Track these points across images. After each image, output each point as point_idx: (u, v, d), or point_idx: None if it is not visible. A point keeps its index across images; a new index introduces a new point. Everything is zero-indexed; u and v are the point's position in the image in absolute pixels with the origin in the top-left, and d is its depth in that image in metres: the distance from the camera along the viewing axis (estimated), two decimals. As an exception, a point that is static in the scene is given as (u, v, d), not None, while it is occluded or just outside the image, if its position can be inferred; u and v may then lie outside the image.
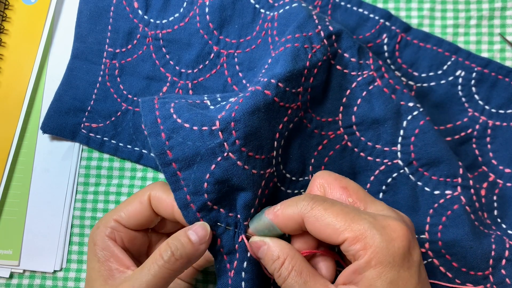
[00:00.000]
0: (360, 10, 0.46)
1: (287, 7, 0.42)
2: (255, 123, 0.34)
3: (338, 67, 0.41)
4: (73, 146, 0.46)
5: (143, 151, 0.45)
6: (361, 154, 0.41)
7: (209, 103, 0.37)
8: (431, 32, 0.46)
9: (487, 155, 0.44)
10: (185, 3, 0.46)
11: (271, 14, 0.43)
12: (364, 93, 0.41)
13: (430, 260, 0.39)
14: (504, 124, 0.44)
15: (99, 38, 0.47)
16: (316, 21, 0.40)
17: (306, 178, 0.41)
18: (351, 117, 0.41)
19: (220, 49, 0.45)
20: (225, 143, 0.34)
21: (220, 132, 0.34)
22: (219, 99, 0.38)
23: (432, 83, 0.45)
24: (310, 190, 0.35)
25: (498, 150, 0.43)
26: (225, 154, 0.33)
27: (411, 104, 0.40)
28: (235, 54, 0.45)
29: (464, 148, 0.44)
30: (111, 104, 0.46)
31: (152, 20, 0.46)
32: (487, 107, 0.44)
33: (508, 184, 0.43)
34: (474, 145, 0.44)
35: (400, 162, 0.41)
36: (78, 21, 0.47)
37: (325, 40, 0.39)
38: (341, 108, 0.41)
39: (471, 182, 0.40)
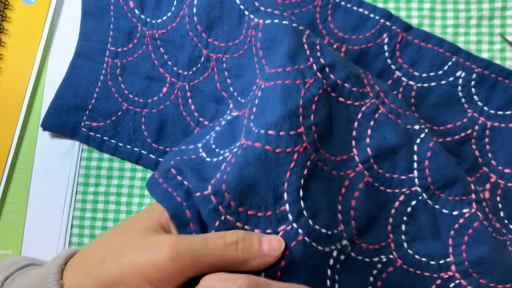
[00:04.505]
0: (360, 10, 0.46)
1: (268, 20, 0.40)
2: (247, 180, 0.33)
3: (340, 99, 0.38)
4: (73, 146, 0.46)
5: (143, 151, 0.45)
6: (381, 188, 0.38)
7: (204, 155, 0.36)
8: (431, 32, 0.46)
9: (486, 156, 0.44)
10: (175, 1, 0.45)
11: (256, 20, 0.41)
12: (372, 122, 0.38)
13: (457, 282, 0.37)
14: (503, 125, 0.44)
15: (103, 36, 0.47)
16: (308, 52, 0.38)
17: (339, 229, 0.36)
18: (366, 150, 0.38)
19: (209, 53, 0.44)
20: (219, 206, 0.32)
21: (212, 196, 0.32)
22: (213, 146, 0.37)
23: (433, 83, 0.45)
24: None
25: (497, 151, 0.43)
26: (223, 217, 0.32)
27: (417, 127, 0.39)
28: (224, 59, 0.43)
29: (464, 148, 0.44)
30: (112, 104, 0.45)
31: (148, 20, 0.46)
32: (486, 108, 0.44)
33: (509, 184, 0.43)
34: (473, 146, 0.44)
35: (418, 189, 0.38)
36: (83, 20, 0.47)
37: (318, 73, 0.37)
38: (353, 142, 0.38)
39: (481, 195, 0.39)
